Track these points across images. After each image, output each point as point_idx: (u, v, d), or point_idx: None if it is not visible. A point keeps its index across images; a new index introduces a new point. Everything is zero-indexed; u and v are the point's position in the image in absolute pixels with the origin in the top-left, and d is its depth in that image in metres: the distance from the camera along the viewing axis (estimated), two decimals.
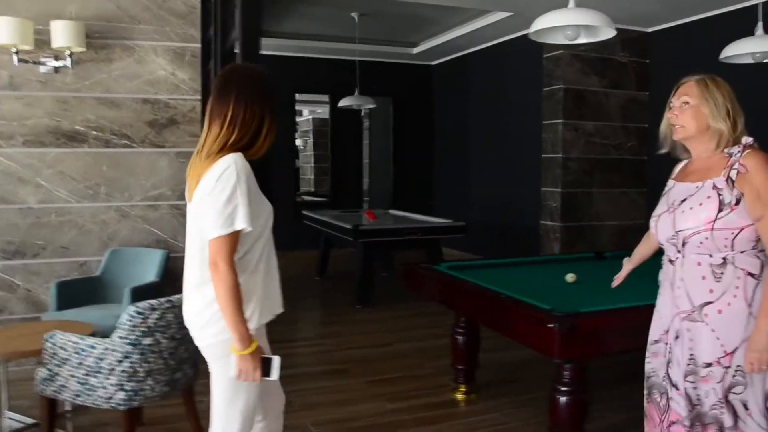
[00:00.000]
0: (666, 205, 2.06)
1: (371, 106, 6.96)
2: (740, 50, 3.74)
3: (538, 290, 3.05)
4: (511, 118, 7.61)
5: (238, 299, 1.77)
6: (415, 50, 8.35)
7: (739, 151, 1.92)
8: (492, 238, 8.00)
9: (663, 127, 2.11)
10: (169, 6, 4.28)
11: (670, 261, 2.03)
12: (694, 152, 2.06)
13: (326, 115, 10.00)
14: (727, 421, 1.91)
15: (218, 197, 1.76)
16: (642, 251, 2.46)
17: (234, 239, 1.78)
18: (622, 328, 2.54)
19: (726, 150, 1.95)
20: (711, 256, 1.91)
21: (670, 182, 2.15)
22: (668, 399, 2.05)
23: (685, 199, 1.98)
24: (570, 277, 3.32)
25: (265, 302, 1.93)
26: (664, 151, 2.15)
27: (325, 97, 9.08)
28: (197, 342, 1.96)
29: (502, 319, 2.81)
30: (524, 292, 2.91)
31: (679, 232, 1.96)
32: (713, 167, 1.97)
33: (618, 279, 2.53)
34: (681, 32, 6.28)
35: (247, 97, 1.85)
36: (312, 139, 12.55)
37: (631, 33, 6.66)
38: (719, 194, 1.90)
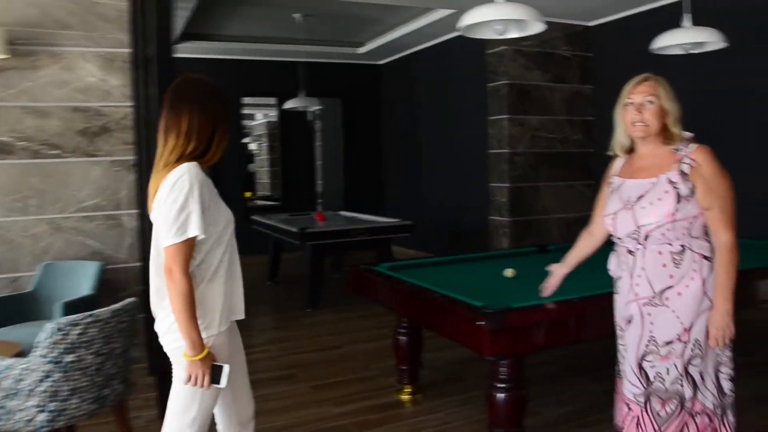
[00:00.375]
0: (620, 202, 2.14)
1: (317, 107, 6.90)
2: (669, 42, 3.80)
3: (474, 287, 3.05)
4: (458, 115, 7.64)
5: (190, 306, 1.81)
6: (362, 50, 8.31)
7: (686, 146, 2.05)
8: (443, 235, 8.03)
9: (620, 126, 2.17)
10: (97, 11, 4.15)
11: (629, 252, 2.13)
12: (644, 149, 2.14)
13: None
14: (687, 392, 2.07)
15: (171, 206, 1.80)
16: (580, 254, 2.51)
17: (188, 246, 1.82)
18: (555, 323, 2.54)
19: (674, 146, 2.07)
20: (671, 244, 2.05)
21: (616, 179, 2.22)
22: (681, 407, 2.10)
23: (642, 195, 2.08)
24: (509, 273, 3.33)
25: (227, 306, 1.96)
26: (619, 151, 2.22)
27: (273, 100, 8.99)
28: (164, 348, 1.98)
29: (437, 318, 2.80)
30: (460, 289, 2.90)
31: (641, 227, 2.06)
32: (662, 163, 2.08)
33: (549, 288, 2.55)
34: (621, 25, 6.38)
35: (199, 108, 1.89)
36: (267, 143, 12.45)
37: (574, 27, 6.75)
38: (675, 188, 2.02)
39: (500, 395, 2.64)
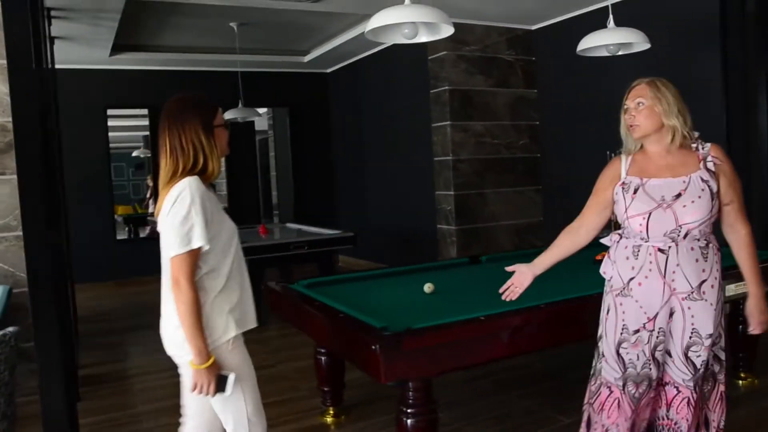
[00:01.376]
0: (653, 202, 2.17)
1: (256, 117, 6.71)
2: (593, 43, 3.71)
3: (387, 305, 2.91)
4: (404, 123, 7.51)
5: (196, 315, 1.88)
6: (307, 58, 8.14)
7: (703, 145, 2.20)
8: (394, 245, 7.89)
9: (622, 130, 2.29)
10: None
11: (660, 251, 2.17)
12: (653, 148, 2.24)
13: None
14: (716, 367, 2.30)
15: (175, 218, 1.89)
16: (559, 254, 2.41)
17: (193, 257, 1.90)
18: (459, 343, 2.39)
19: (692, 145, 2.20)
20: (699, 240, 2.16)
21: (633, 179, 2.23)
22: (650, 386, 2.25)
23: (679, 194, 2.14)
24: (427, 288, 3.19)
25: (240, 317, 2.03)
26: (630, 151, 2.30)
27: None
28: (176, 359, 2.09)
29: (339, 340, 2.63)
30: (370, 308, 2.76)
31: (683, 225, 2.13)
32: (687, 161, 2.19)
33: (515, 293, 2.42)
34: (563, 28, 6.32)
35: (177, 126, 1.97)
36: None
37: (516, 31, 6.67)
38: (708, 186, 2.14)
39: (409, 420, 2.48)
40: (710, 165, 2.18)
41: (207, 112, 2.02)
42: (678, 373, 2.27)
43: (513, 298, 2.44)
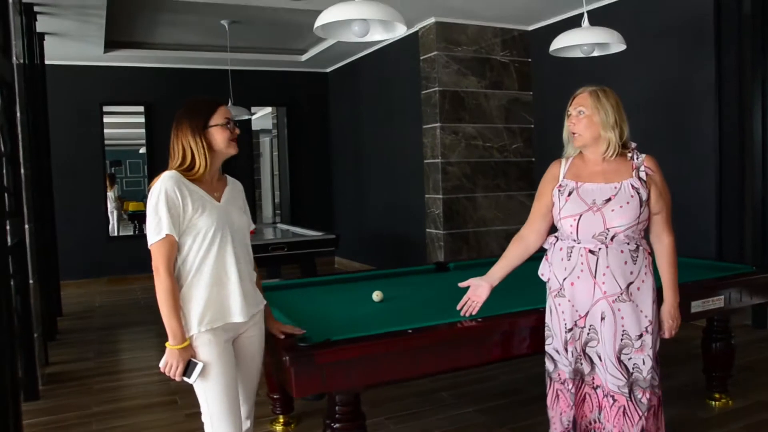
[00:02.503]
0: (584, 205, 2.25)
1: (246, 116, 6.65)
2: (564, 43, 3.56)
3: (321, 314, 2.80)
4: (397, 124, 7.38)
5: (172, 300, 2.01)
6: (304, 57, 8.07)
7: (638, 155, 2.28)
8: (386, 247, 7.78)
9: (564, 134, 2.36)
10: None
11: (591, 252, 2.24)
12: (590, 155, 2.32)
13: None
14: (656, 379, 2.28)
15: (149, 210, 2.04)
16: (510, 264, 2.47)
17: (165, 245, 2.02)
18: (381, 358, 2.27)
19: (628, 154, 2.28)
20: (628, 243, 2.23)
21: (569, 182, 2.32)
22: (582, 382, 2.33)
23: (609, 199, 2.22)
24: (376, 296, 3.07)
25: (211, 309, 2.07)
26: (570, 155, 2.38)
27: None
28: None
29: (266, 350, 2.52)
30: (303, 316, 2.65)
31: (610, 229, 2.21)
32: (621, 169, 2.27)
33: (472, 307, 2.46)
34: (561, 29, 6.04)
35: (174, 130, 2.14)
36: None
37: (512, 32, 6.52)
38: (638, 193, 2.22)
39: None
40: (642, 174, 2.27)
41: (200, 114, 2.13)
42: (611, 379, 2.26)
43: (473, 313, 2.46)
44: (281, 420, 3.37)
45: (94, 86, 7.66)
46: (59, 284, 6.19)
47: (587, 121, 2.25)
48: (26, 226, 3.97)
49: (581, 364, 2.32)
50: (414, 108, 6.74)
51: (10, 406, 3.07)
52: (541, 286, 2.50)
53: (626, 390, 2.24)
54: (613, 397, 2.27)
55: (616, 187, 2.24)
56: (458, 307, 2.47)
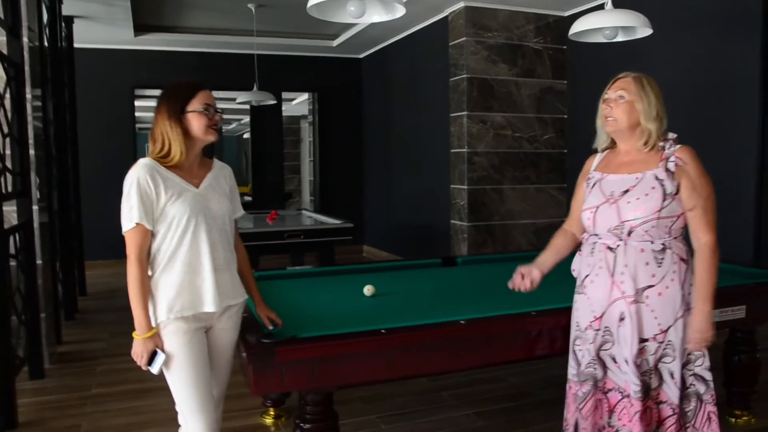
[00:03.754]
0: (602, 196, 2.13)
1: (271, 101, 6.56)
2: (587, 26, 3.31)
3: (301, 308, 2.70)
4: (426, 112, 7.18)
5: (139, 289, 1.99)
6: (335, 42, 7.94)
7: (671, 145, 2.08)
8: (411, 237, 7.63)
9: (598, 121, 2.20)
10: None
11: (609, 248, 2.11)
12: (623, 145, 2.17)
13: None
14: (654, 382, 2.12)
15: (123, 198, 2.02)
16: (557, 256, 2.36)
17: (136, 234, 2.00)
18: (348, 358, 2.13)
19: (659, 143, 2.09)
20: (652, 242, 2.05)
21: (596, 174, 2.22)
22: (594, 387, 2.18)
23: (627, 190, 2.08)
24: (367, 290, 2.94)
25: (182, 297, 2.03)
26: (601, 147, 2.25)
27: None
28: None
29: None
30: (281, 309, 2.54)
31: (625, 222, 2.06)
32: (649, 159, 2.10)
33: (526, 285, 2.31)
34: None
35: (155, 115, 2.09)
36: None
37: (546, 17, 6.23)
38: (662, 185, 2.03)
39: None
40: (671, 165, 2.07)
41: (177, 99, 2.07)
42: (627, 380, 2.12)
43: (524, 290, 2.32)
44: (271, 413, 3.29)
45: (126, 69, 7.72)
46: (83, 264, 6.28)
47: (627, 106, 2.10)
48: (34, 207, 3.99)
49: (594, 368, 2.19)
50: (442, 96, 6.54)
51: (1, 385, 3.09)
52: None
53: (640, 394, 2.10)
54: (629, 399, 2.12)
55: (637, 178, 2.09)
56: (510, 285, 2.34)
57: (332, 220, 6.08)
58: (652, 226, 2.04)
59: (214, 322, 2.15)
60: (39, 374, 3.93)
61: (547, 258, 2.36)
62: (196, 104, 2.07)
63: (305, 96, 10.90)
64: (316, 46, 8.04)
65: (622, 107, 2.10)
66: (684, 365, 2.14)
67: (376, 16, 2.92)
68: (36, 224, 4.01)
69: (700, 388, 2.17)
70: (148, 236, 2.02)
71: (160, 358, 2.02)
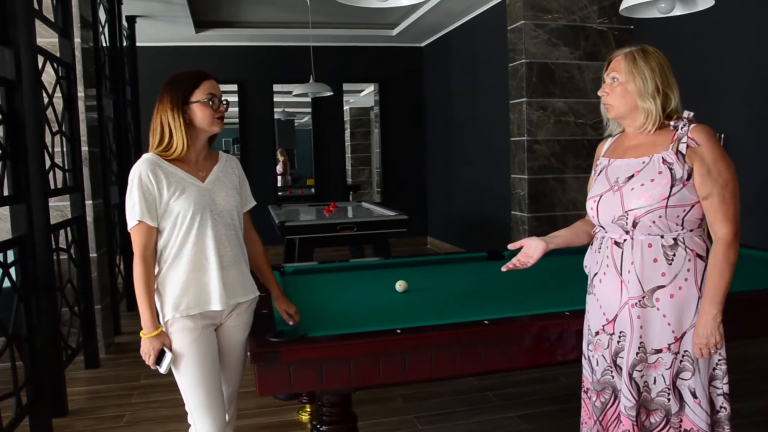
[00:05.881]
0: (607, 184, 1.92)
1: (328, 93, 6.52)
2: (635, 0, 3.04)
3: (322, 304, 2.62)
4: (486, 100, 6.94)
5: (145, 288, 1.95)
6: (395, 32, 7.81)
7: (685, 125, 1.84)
8: (473, 228, 7.43)
9: (602, 106, 2.01)
10: None
11: (616, 243, 1.90)
12: (630, 129, 1.97)
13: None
14: (674, 407, 1.86)
15: (126, 195, 1.99)
16: (571, 237, 2.12)
17: (141, 232, 1.96)
18: (361, 359, 2.03)
19: (671, 123, 1.86)
20: (662, 237, 1.82)
21: (603, 160, 2.02)
22: (614, 396, 1.94)
23: (632, 176, 1.86)
24: (399, 286, 2.82)
25: (187, 295, 2.00)
26: (614, 132, 2.06)
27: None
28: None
29: None
30: (301, 306, 2.47)
31: (629, 212, 1.83)
32: (658, 141, 1.87)
33: (522, 264, 2.08)
34: None
35: (156, 106, 2.05)
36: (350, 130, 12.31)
37: None
38: (670, 169, 1.81)
39: None
40: (682, 147, 1.82)
41: (180, 90, 2.02)
42: (624, 401, 1.88)
43: (521, 267, 2.08)
44: (308, 409, 3.25)
45: (188, 66, 7.77)
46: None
47: (621, 89, 1.89)
48: (88, 202, 4.11)
49: (611, 375, 1.94)
50: (501, 82, 6.29)
51: (51, 374, 3.19)
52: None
53: (633, 413, 1.86)
54: (619, 417, 1.90)
55: (644, 162, 1.85)
56: (502, 267, 2.12)
57: (389, 212, 5.99)
58: (659, 216, 1.80)
59: (223, 319, 2.11)
60: (94, 363, 4.07)
61: (560, 234, 2.12)
62: (199, 94, 2.02)
63: (372, 87, 10.88)
64: (375, 36, 7.95)
65: (616, 91, 1.91)
66: (709, 382, 1.86)
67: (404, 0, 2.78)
68: (90, 218, 4.14)
69: (723, 407, 1.87)
70: (152, 233, 1.98)
71: (168, 357, 1.99)
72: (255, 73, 8.11)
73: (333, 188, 8.74)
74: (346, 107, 11.73)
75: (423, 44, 8.69)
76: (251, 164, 8.27)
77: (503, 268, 2.12)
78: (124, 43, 5.77)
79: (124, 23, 5.88)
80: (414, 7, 6.90)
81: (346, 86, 8.86)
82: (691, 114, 1.88)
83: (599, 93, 1.99)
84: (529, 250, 2.06)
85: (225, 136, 9.55)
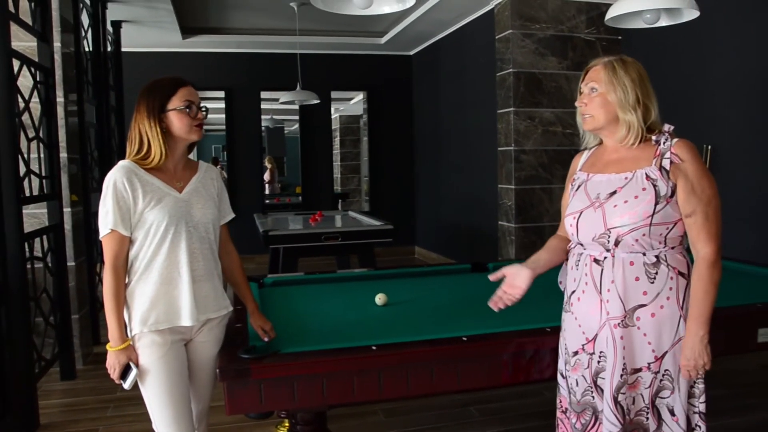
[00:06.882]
0: (587, 200, 1.86)
1: (315, 101, 6.46)
2: (623, 9, 3.02)
3: (295, 318, 2.56)
4: (473, 109, 6.92)
5: (113, 299, 1.90)
6: (383, 40, 7.78)
7: (667, 139, 1.79)
8: (460, 238, 7.38)
9: (578, 117, 1.95)
10: None
11: (596, 261, 1.84)
12: (609, 142, 1.90)
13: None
14: (651, 425, 1.82)
15: (100, 202, 1.93)
16: (552, 259, 2.02)
17: (111, 240, 1.90)
18: (334, 376, 1.96)
19: (653, 137, 1.80)
20: (644, 254, 1.78)
21: (581, 174, 1.96)
22: (594, 418, 1.87)
23: (614, 192, 1.80)
24: (378, 299, 2.76)
25: (156, 309, 1.94)
26: (590, 145, 1.99)
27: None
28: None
29: None
30: (277, 320, 2.41)
31: (612, 229, 1.78)
32: (640, 156, 1.82)
33: (506, 298, 1.95)
34: None
35: (134, 114, 1.99)
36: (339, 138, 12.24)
37: (599, 7, 5.85)
38: (654, 185, 1.76)
39: None
40: (665, 163, 1.77)
41: (156, 97, 1.97)
42: (607, 425, 1.81)
43: (510, 304, 1.96)
44: (286, 424, 3.17)
45: (175, 72, 7.78)
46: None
47: (600, 100, 1.83)
48: (66, 210, 4.03)
49: (592, 396, 1.87)
50: (489, 92, 6.27)
51: (21, 386, 3.10)
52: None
53: None
54: None
55: (626, 178, 1.79)
56: (490, 304, 1.98)
57: (375, 221, 5.94)
58: (643, 234, 1.75)
59: (193, 335, 2.05)
60: (70, 375, 3.98)
61: (541, 256, 2.01)
62: (176, 101, 1.97)
63: (360, 96, 10.85)
64: (364, 44, 7.91)
65: (595, 102, 1.84)
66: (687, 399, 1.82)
67: (386, 7, 2.74)
68: (68, 226, 4.06)
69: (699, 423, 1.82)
70: (124, 243, 1.92)
71: (133, 372, 1.93)
72: (242, 80, 8.04)
73: (321, 197, 8.67)
74: (335, 115, 11.71)
75: (412, 53, 8.67)
76: (239, 172, 8.20)
77: (491, 305, 1.98)
78: (109, 48, 5.70)
79: (109, 28, 5.81)
80: (402, 16, 6.87)
81: (336, 94, 8.81)
82: (672, 128, 1.82)
83: (577, 104, 1.93)
84: (515, 279, 1.94)
85: (214, 143, 9.51)
